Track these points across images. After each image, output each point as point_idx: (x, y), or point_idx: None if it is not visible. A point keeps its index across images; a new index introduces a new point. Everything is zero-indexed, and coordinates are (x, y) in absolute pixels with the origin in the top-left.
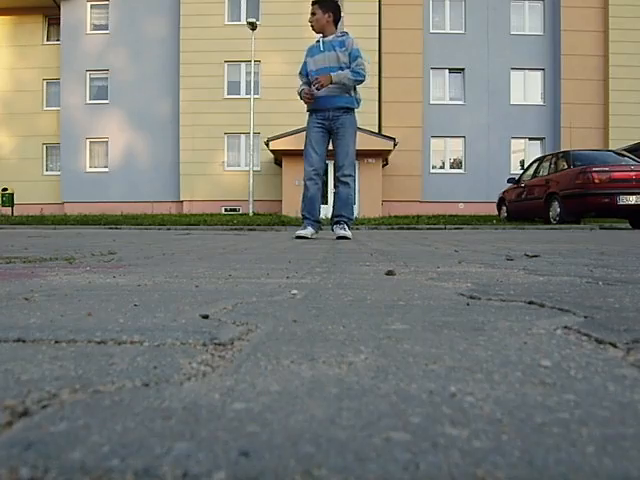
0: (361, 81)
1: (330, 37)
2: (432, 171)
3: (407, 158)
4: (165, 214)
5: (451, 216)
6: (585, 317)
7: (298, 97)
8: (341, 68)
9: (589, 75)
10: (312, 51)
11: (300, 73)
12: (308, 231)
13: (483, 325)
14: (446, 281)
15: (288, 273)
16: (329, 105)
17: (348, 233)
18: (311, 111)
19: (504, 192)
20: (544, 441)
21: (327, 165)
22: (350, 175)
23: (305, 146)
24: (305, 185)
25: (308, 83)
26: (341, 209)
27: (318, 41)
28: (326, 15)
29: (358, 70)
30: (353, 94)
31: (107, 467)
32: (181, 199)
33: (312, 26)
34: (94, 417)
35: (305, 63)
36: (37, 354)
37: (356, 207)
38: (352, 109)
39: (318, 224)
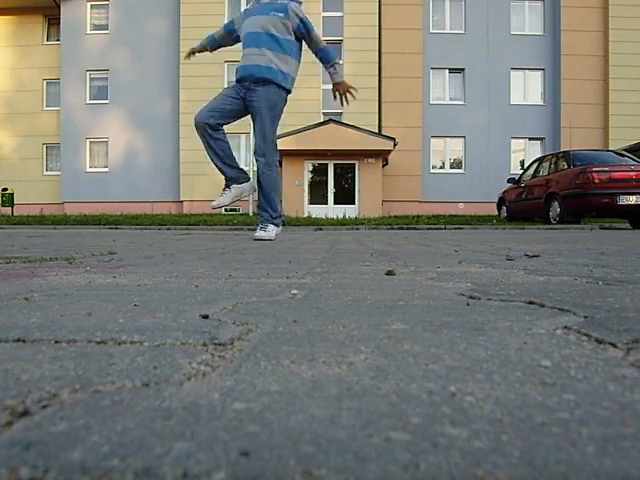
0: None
1: None
2: (432, 171)
3: (407, 158)
4: (165, 214)
5: (451, 216)
6: (585, 317)
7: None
8: (271, 35)
9: (589, 75)
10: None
11: (228, 24)
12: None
13: (483, 325)
14: (446, 281)
15: (288, 273)
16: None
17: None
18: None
19: (504, 192)
20: (544, 441)
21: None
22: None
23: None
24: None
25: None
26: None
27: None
28: None
29: (324, 47)
30: (280, 66)
31: (107, 467)
32: (181, 199)
33: None
34: (94, 417)
35: (236, 19)
36: (37, 354)
37: (356, 207)
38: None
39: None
